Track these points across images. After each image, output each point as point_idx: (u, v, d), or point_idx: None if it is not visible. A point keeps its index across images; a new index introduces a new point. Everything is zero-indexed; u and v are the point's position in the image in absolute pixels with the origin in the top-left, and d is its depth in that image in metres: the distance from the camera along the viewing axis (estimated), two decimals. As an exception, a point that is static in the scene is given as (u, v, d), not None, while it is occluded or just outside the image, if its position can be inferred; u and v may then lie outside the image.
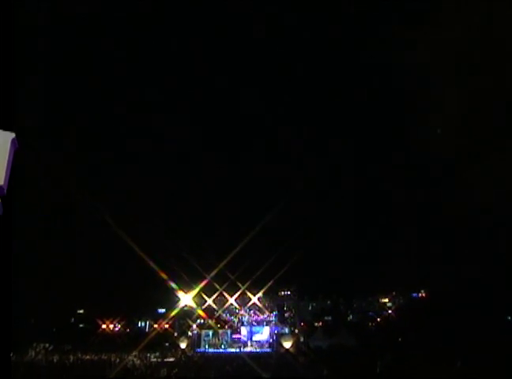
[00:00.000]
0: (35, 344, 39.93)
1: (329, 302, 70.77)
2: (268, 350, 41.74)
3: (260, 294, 51.47)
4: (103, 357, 30.76)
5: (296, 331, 52.93)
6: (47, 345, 40.97)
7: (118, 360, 27.60)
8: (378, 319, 59.05)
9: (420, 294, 66.50)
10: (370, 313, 65.79)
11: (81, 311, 65.84)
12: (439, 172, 47.75)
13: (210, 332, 45.15)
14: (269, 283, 48.19)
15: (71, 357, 31.82)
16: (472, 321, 32.19)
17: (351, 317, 68.66)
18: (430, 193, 52.37)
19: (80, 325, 61.50)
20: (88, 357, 31.91)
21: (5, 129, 7.48)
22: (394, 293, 69.56)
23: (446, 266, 47.62)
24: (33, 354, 36.10)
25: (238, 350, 41.57)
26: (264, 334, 45.36)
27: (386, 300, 69.88)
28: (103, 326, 55.87)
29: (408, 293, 67.91)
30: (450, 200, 47.53)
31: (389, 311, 62.76)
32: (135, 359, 28.70)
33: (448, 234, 49.93)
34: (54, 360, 30.15)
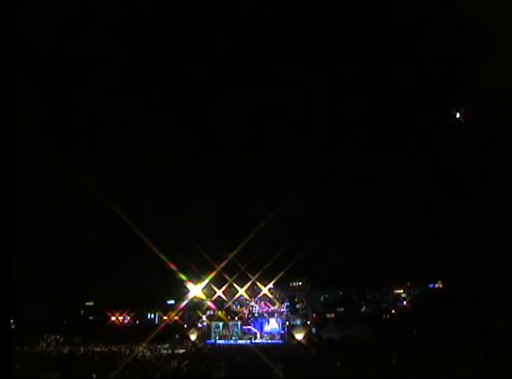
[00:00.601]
0: (45, 336, 41.02)
1: (341, 293, 70.88)
2: (279, 341, 42.08)
3: (271, 285, 51.74)
4: (113, 348, 31.42)
5: (308, 322, 53.23)
6: (58, 337, 42.05)
7: (128, 352, 28.16)
8: (393, 310, 58.93)
9: (437, 285, 66.02)
10: (385, 305, 65.71)
11: (91, 303, 67.26)
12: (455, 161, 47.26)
13: (220, 324, 45.66)
14: (280, 274, 48.33)
15: (81, 348, 32.59)
16: (493, 314, 31.78)
17: (364, 308, 68.70)
18: (445, 182, 51.79)
19: (90, 317, 62.83)
20: (98, 349, 32.62)
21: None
22: (409, 283, 69.21)
23: (465, 255, 47.10)
24: (44, 345, 37.11)
25: (248, 341, 42.00)
26: (270, 325, 45.76)
27: (401, 291, 69.59)
28: (113, 318, 57.05)
29: (424, 283, 67.47)
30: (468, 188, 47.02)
31: (405, 302, 62.52)
32: (145, 351, 29.23)
33: (466, 221, 49.29)
34: (65, 351, 30.94)
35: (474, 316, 33.75)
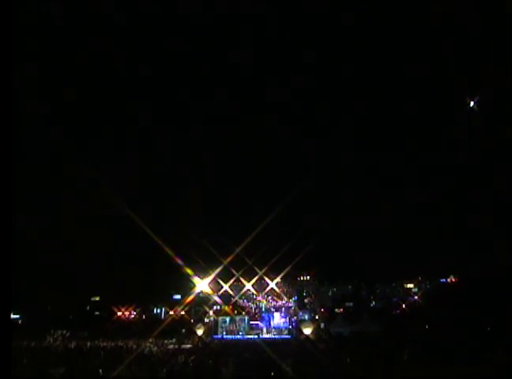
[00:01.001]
0: (52, 331, 41.76)
1: (350, 288, 70.84)
2: (287, 336, 42.25)
3: (278, 279, 51.87)
4: (120, 344, 31.83)
5: (317, 317, 53.36)
6: (64, 332, 42.78)
7: (134, 347, 28.51)
8: (403, 305, 58.73)
9: (449, 280, 65.63)
10: (395, 299, 65.53)
11: (97, 298, 68.12)
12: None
13: (227, 319, 45.95)
14: (288, 268, 48.43)
15: (88, 343, 33.09)
16: (508, 309, 31.42)
17: (373, 303, 68.63)
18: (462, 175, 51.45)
19: (96, 313, 63.65)
20: (104, 343, 33.07)
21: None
22: (420, 278, 68.88)
23: (480, 248, 46.70)
24: (51, 340, 37.80)
25: (256, 336, 42.23)
26: (278, 320, 46.03)
27: (412, 285, 69.33)
28: (119, 313, 57.72)
29: (436, 278, 67.10)
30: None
31: (416, 297, 62.27)
32: (152, 346, 29.56)
33: (481, 213, 48.80)
34: (72, 346, 31.44)
35: (487, 311, 33.47)
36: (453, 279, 64.43)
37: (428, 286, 67.49)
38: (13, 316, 55.46)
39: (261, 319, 46.77)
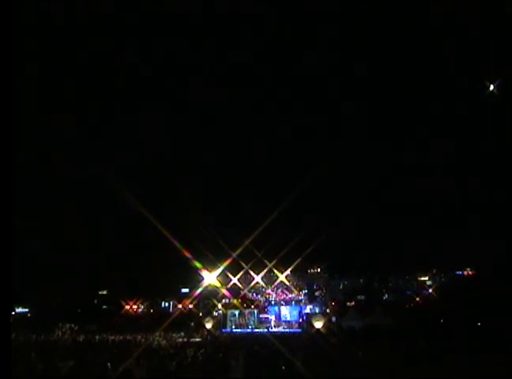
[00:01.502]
0: (60, 324, 42.66)
1: (361, 281, 70.72)
2: (297, 330, 42.42)
3: (288, 272, 51.95)
4: (128, 337, 32.29)
5: (328, 310, 53.45)
6: (73, 325, 43.67)
7: (143, 340, 28.89)
8: (417, 298, 58.41)
9: (466, 272, 65.01)
10: (408, 292, 65.25)
11: (104, 292, 69.15)
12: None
13: (236, 312, 46.28)
14: (298, 260, 48.44)
15: (96, 337, 33.67)
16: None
17: (386, 296, 68.46)
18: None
19: (104, 306, 64.63)
20: (113, 337, 33.60)
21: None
22: (435, 270, 68.36)
23: (497, 240, 46.04)
24: (60, 333, 38.62)
25: (265, 330, 42.46)
26: (288, 313, 46.27)
27: (426, 278, 68.89)
28: (127, 307, 58.56)
29: (452, 270, 66.55)
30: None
31: (430, 290, 61.84)
32: (160, 339, 29.91)
33: (498, 204, 48.06)
34: (80, 340, 32.04)
35: (505, 306, 32.99)
36: (470, 272, 63.80)
37: (443, 279, 67.01)
38: (21, 309, 56.76)
39: (271, 312, 47.01)
